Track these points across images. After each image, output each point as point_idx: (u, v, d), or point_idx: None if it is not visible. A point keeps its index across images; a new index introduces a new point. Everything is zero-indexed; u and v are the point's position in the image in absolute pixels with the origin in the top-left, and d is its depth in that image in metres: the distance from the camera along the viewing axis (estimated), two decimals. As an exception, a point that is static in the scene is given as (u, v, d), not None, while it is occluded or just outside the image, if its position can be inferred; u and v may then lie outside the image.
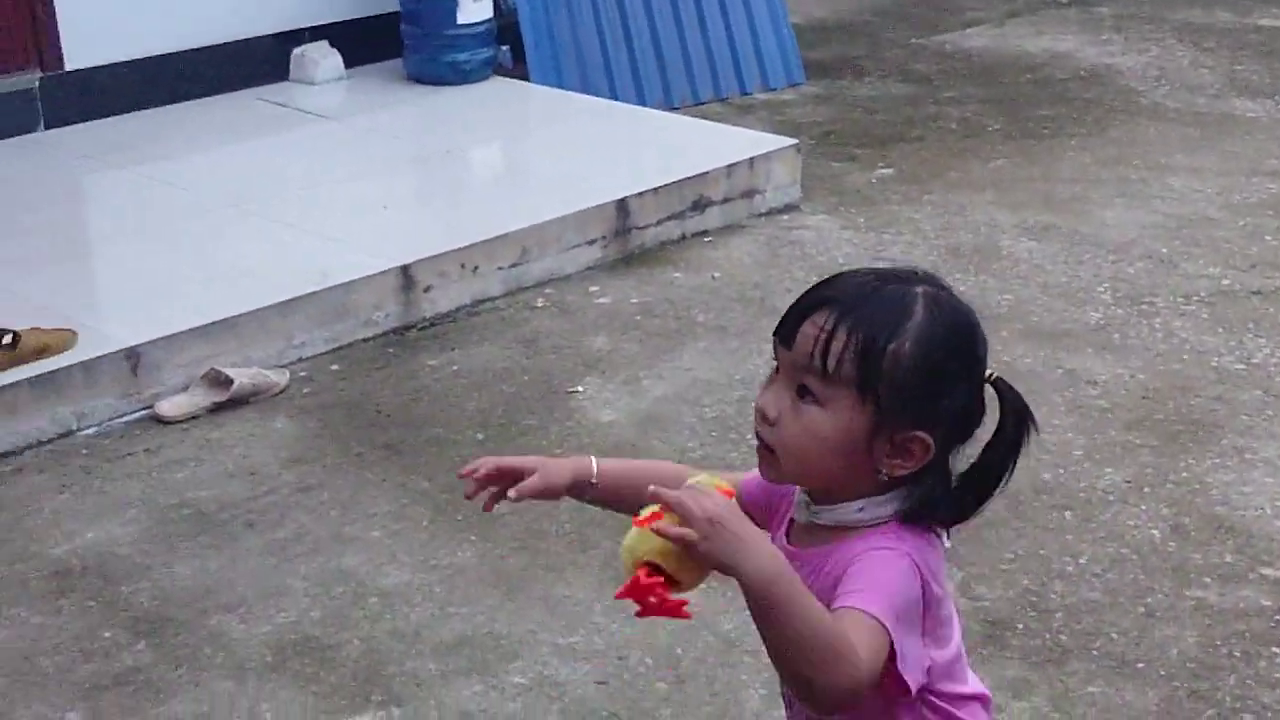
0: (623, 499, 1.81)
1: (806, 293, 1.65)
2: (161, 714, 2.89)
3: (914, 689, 1.57)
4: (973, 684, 1.73)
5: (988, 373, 1.64)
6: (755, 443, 1.65)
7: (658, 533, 1.49)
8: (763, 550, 1.48)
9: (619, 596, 1.55)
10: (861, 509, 1.61)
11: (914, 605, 1.56)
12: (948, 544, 1.67)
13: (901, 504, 1.61)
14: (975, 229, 5.26)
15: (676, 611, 1.54)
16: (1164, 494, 3.59)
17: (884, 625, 1.51)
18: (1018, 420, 1.65)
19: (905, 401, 1.57)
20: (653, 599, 1.53)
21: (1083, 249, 5.08)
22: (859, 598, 1.53)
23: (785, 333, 1.62)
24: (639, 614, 1.55)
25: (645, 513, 1.55)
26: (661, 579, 1.53)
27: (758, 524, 1.64)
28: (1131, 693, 2.92)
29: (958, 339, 1.61)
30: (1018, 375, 4.08)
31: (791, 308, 1.64)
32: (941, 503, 1.63)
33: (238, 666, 3.02)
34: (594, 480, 1.84)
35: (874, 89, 6.97)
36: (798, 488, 1.69)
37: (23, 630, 3.14)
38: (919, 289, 1.61)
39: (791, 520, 1.71)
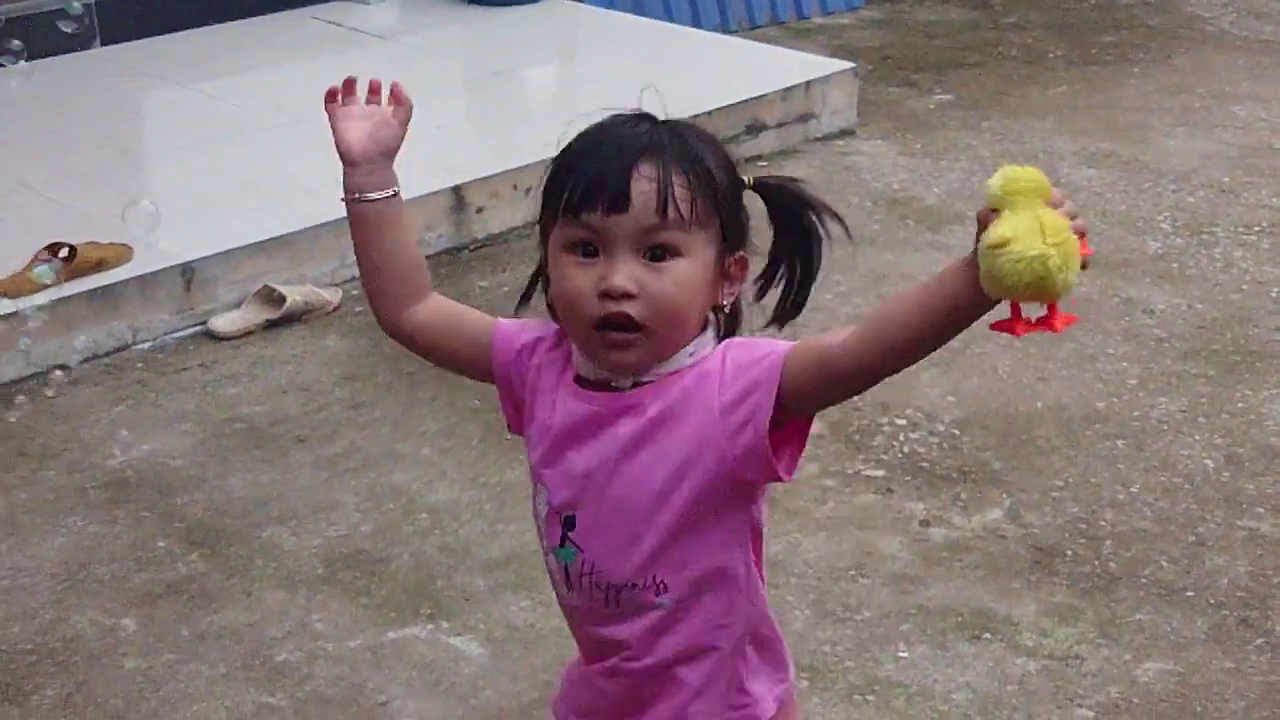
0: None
1: (599, 158, 1.56)
2: (214, 622, 2.93)
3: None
4: None
5: (746, 179, 1.63)
6: (598, 333, 1.56)
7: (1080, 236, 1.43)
8: None
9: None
10: (692, 352, 1.60)
11: None
12: None
13: (717, 331, 1.62)
14: (1034, 156, 5.19)
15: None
16: (1219, 424, 3.56)
17: None
18: (796, 206, 1.63)
19: (734, 224, 1.59)
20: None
21: (1143, 177, 5.00)
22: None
23: (612, 200, 1.54)
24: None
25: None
26: None
27: (500, 387, 1.71)
28: (1179, 620, 2.90)
29: (725, 151, 1.63)
30: (1073, 304, 4.04)
31: (594, 177, 1.55)
32: (739, 313, 1.66)
33: (289, 578, 3.06)
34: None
35: (934, 13, 6.87)
36: (574, 349, 1.63)
37: (79, 539, 3.19)
38: (657, 122, 1.62)
39: (577, 376, 1.65)
